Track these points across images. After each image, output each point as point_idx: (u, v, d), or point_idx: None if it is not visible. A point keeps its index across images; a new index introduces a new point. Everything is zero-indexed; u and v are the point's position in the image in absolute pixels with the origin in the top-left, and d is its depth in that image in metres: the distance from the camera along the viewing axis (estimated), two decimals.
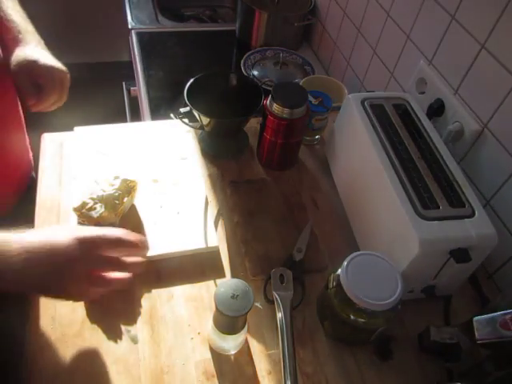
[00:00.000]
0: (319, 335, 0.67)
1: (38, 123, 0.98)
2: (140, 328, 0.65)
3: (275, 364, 0.63)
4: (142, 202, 0.78)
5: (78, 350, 0.62)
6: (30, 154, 0.95)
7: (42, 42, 0.83)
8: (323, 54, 1.39)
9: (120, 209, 0.71)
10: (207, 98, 0.88)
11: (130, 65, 1.40)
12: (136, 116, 1.46)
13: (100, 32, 2.20)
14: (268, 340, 0.66)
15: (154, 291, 0.69)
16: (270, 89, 0.82)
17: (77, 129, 0.90)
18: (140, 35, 1.40)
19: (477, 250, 0.61)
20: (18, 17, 0.80)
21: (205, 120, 0.86)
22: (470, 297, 0.75)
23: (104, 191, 0.72)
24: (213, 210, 0.81)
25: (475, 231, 0.61)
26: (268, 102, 0.82)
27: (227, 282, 0.57)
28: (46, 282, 0.54)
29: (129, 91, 1.61)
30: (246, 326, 0.61)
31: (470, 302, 0.74)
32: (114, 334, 0.64)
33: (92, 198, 0.71)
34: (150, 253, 0.72)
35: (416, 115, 0.78)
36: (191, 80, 0.88)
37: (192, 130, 0.94)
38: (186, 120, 0.89)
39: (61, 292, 0.56)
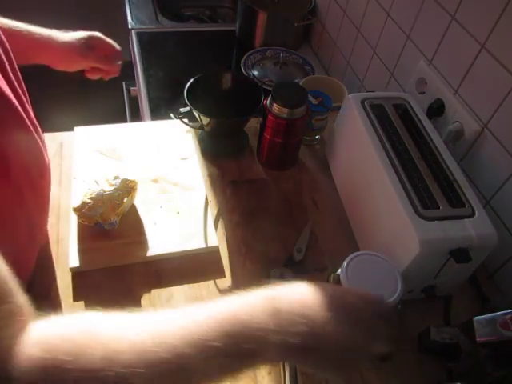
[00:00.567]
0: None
1: (38, 123, 0.98)
2: None
3: (275, 364, 0.63)
4: (142, 202, 0.78)
5: None
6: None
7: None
8: (323, 54, 1.39)
9: (120, 209, 0.71)
10: (207, 97, 0.88)
11: (129, 65, 1.40)
12: (136, 116, 1.46)
13: (100, 32, 2.19)
14: None
15: (153, 291, 0.69)
16: (270, 89, 0.82)
17: (77, 129, 0.90)
18: (140, 35, 1.40)
19: (477, 250, 0.61)
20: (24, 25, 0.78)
21: (204, 120, 0.86)
22: (470, 297, 0.75)
23: (104, 191, 0.72)
24: (213, 210, 0.81)
25: (475, 231, 0.61)
26: (268, 101, 0.82)
27: None
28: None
29: (129, 91, 1.61)
30: None
31: (470, 302, 0.74)
32: None
33: (92, 198, 0.71)
34: (150, 253, 0.72)
35: (416, 115, 0.78)
36: (191, 80, 0.88)
37: (192, 129, 0.94)
38: (186, 120, 0.89)
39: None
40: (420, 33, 0.90)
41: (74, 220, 0.73)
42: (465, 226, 0.62)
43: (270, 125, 0.83)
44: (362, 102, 0.79)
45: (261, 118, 0.86)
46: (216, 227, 0.78)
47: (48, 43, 0.76)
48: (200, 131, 0.94)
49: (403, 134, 0.74)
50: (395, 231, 0.66)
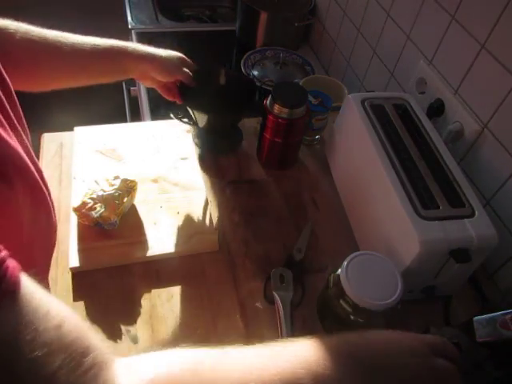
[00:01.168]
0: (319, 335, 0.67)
1: (38, 123, 0.98)
2: (140, 328, 0.65)
3: None
4: (142, 202, 0.78)
5: None
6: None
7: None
8: (323, 54, 1.39)
9: (120, 209, 0.71)
10: (201, 94, 0.88)
11: None
12: (136, 116, 1.45)
13: (100, 32, 2.19)
14: (268, 340, 0.65)
15: (153, 291, 0.69)
16: (270, 89, 0.82)
17: (77, 129, 0.90)
18: (140, 35, 1.40)
19: (477, 250, 0.61)
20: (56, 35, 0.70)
21: (198, 116, 0.86)
22: (470, 297, 0.75)
23: (104, 191, 0.72)
24: (213, 210, 0.81)
25: (475, 231, 0.61)
26: (268, 101, 0.82)
27: None
28: None
29: (129, 91, 1.60)
30: None
31: (470, 302, 0.74)
32: (113, 334, 0.64)
33: (92, 198, 0.71)
34: (150, 253, 0.72)
35: (416, 115, 0.78)
36: None
37: (192, 129, 0.94)
38: (185, 119, 0.88)
39: None
40: (420, 33, 0.90)
41: (74, 220, 0.73)
42: (465, 226, 0.62)
43: (270, 125, 0.83)
44: (362, 102, 0.79)
45: (261, 118, 0.86)
46: (216, 227, 0.79)
47: (153, 56, 0.76)
48: (196, 128, 0.93)
49: (403, 134, 0.74)
50: (395, 231, 0.66)
